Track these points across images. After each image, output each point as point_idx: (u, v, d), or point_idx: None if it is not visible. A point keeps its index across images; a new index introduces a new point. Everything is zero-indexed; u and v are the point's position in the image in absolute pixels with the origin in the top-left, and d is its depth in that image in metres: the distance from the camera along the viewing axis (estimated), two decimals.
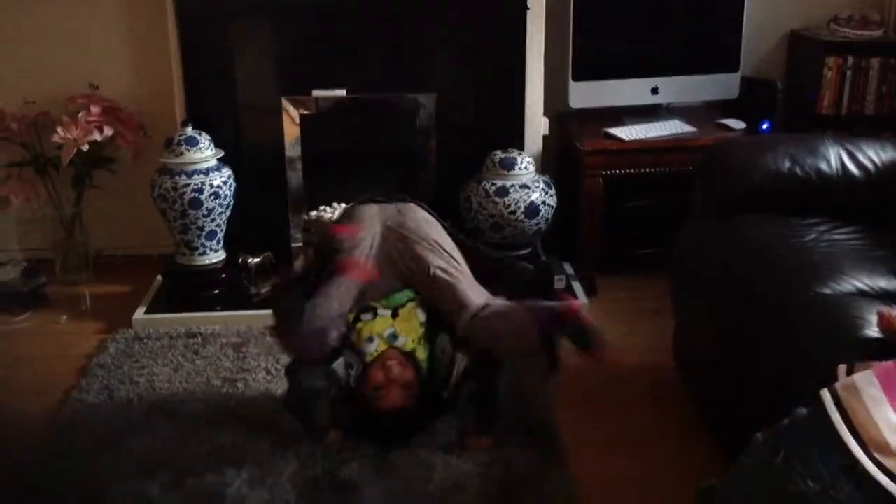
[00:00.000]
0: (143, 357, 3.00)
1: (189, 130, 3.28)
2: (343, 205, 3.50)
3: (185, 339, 3.11)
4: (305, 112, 3.39)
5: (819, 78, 3.65)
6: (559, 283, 3.37)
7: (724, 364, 2.40)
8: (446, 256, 2.56)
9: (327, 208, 3.50)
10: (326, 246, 2.66)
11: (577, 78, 3.56)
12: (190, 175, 3.22)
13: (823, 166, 2.59)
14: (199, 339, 3.11)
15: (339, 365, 2.45)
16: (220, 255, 3.39)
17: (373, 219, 2.67)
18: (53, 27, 3.58)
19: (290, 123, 3.38)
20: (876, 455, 1.46)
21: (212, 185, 3.23)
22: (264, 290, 3.36)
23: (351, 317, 2.50)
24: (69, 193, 3.60)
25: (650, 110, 3.69)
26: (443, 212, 3.29)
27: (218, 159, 3.31)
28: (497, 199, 3.29)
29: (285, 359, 2.75)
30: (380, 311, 2.50)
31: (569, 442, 2.50)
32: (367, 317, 2.50)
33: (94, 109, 3.45)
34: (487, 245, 3.33)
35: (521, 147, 3.48)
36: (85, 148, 3.41)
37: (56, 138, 3.39)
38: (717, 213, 2.62)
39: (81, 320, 3.35)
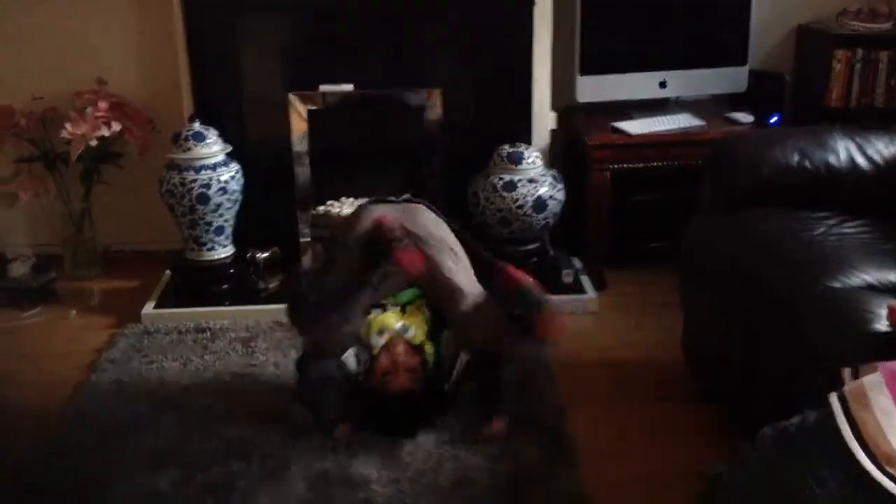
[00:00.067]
0: (152, 352, 3.02)
1: (196, 126, 3.28)
2: (351, 199, 3.51)
3: (193, 334, 3.12)
4: (313, 107, 3.39)
5: (828, 71, 3.63)
6: (567, 277, 3.37)
7: (732, 358, 2.40)
8: (452, 255, 2.58)
9: (335, 203, 3.50)
10: (352, 238, 2.62)
11: (584, 72, 3.55)
12: (198, 170, 3.22)
13: (832, 160, 2.58)
14: (208, 333, 3.12)
15: (349, 356, 2.51)
16: (229, 251, 3.40)
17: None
18: (61, 23, 3.58)
19: (297, 119, 3.38)
20: (887, 468, 1.43)
21: (220, 181, 3.24)
22: (272, 285, 3.37)
23: (364, 329, 2.55)
24: (78, 189, 3.61)
25: (658, 104, 3.68)
26: (450, 206, 3.31)
27: (226, 154, 3.31)
28: (505, 194, 3.29)
29: (294, 353, 2.80)
30: (389, 308, 2.55)
31: (577, 438, 2.50)
32: (376, 311, 2.54)
33: (102, 105, 3.45)
34: (497, 243, 3.35)
35: (528, 141, 3.48)
36: (93, 143, 3.42)
37: (64, 134, 3.40)
38: (726, 207, 2.61)
39: (91, 315, 3.36)
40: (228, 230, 3.36)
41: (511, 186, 3.29)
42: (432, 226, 2.63)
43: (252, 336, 3.10)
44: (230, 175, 3.28)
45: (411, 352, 2.49)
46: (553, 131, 3.58)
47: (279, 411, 2.62)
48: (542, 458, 2.40)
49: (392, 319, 2.53)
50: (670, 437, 2.53)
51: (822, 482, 1.47)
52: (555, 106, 3.55)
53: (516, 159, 3.32)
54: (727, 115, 3.62)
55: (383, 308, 2.55)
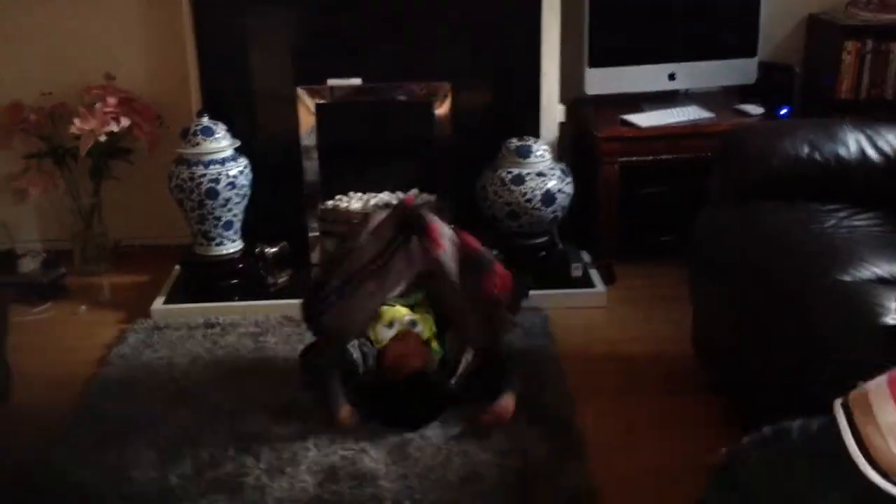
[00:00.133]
0: (161, 347, 3.02)
1: (205, 120, 3.28)
2: (359, 194, 3.51)
3: (203, 329, 3.13)
4: (321, 101, 3.38)
5: (837, 62, 3.61)
6: (576, 271, 3.36)
7: (742, 351, 2.39)
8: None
9: (343, 198, 3.50)
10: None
11: (593, 64, 3.54)
12: (206, 165, 3.22)
13: (842, 152, 2.57)
14: (218, 328, 3.13)
15: (353, 347, 2.59)
16: (238, 245, 3.40)
17: (389, 223, 2.74)
18: (69, 19, 3.59)
19: (305, 113, 3.38)
20: (894, 478, 1.42)
21: (228, 175, 3.24)
22: (281, 279, 3.37)
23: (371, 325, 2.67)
24: (87, 184, 3.62)
25: (667, 96, 3.66)
26: (459, 200, 3.31)
27: (234, 149, 3.31)
28: (513, 188, 3.28)
29: (296, 350, 2.84)
30: (398, 305, 2.67)
31: (586, 431, 2.50)
32: (386, 306, 2.66)
33: (111, 100, 3.46)
34: (506, 236, 3.35)
35: (536, 135, 3.47)
36: (102, 139, 3.42)
37: (73, 129, 3.40)
38: (735, 199, 2.60)
39: (100, 310, 3.37)
40: (237, 225, 3.37)
41: (519, 180, 3.28)
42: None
43: (261, 331, 3.10)
44: (239, 170, 3.28)
45: (420, 345, 2.60)
46: (562, 124, 3.57)
47: (289, 406, 2.63)
48: (551, 453, 2.39)
49: (402, 312, 2.68)
50: (679, 430, 2.53)
51: (825, 493, 1.45)
52: (563, 99, 3.54)
53: (524, 153, 3.31)
54: (736, 106, 3.61)
55: (392, 305, 2.66)
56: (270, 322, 3.14)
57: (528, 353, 2.86)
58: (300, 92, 3.36)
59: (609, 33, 3.55)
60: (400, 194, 3.51)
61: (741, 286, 2.38)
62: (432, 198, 3.40)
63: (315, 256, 3.43)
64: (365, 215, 2.97)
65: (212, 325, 3.15)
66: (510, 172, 3.30)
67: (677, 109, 3.54)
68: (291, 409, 2.61)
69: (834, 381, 1.85)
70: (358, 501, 2.23)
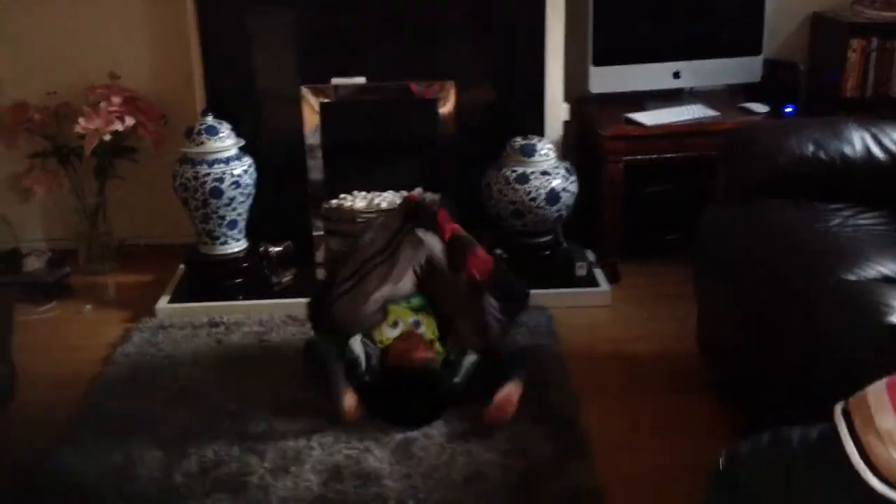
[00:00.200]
0: (166, 346, 3.03)
1: (209, 120, 3.29)
2: (363, 193, 3.51)
3: (207, 328, 3.13)
4: (325, 100, 3.39)
5: (843, 60, 3.60)
6: (580, 270, 3.36)
7: (747, 349, 2.39)
8: None
9: (347, 197, 3.50)
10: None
11: (597, 63, 3.53)
12: (211, 164, 3.22)
13: (847, 150, 2.56)
14: (222, 327, 3.13)
15: (355, 342, 2.64)
16: (242, 245, 3.40)
17: (396, 214, 2.84)
18: (73, 18, 3.59)
19: (309, 112, 3.38)
20: None
21: (233, 175, 3.24)
22: (285, 279, 3.37)
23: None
24: (92, 184, 3.63)
25: (672, 95, 3.66)
26: (463, 199, 3.31)
27: (238, 148, 3.31)
28: (517, 186, 3.27)
29: (300, 349, 2.84)
30: (402, 306, 2.77)
31: (590, 431, 2.50)
32: (391, 307, 2.73)
33: (115, 99, 3.46)
34: (510, 235, 3.34)
35: (540, 133, 3.47)
36: (107, 138, 3.43)
37: (78, 129, 3.41)
38: (740, 198, 2.59)
39: (105, 309, 3.38)
40: (241, 224, 3.37)
41: (524, 179, 3.27)
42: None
43: (266, 330, 3.10)
44: (243, 169, 3.28)
45: (423, 344, 2.66)
46: (566, 123, 3.56)
47: (293, 405, 2.63)
48: (555, 452, 2.39)
49: (406, 313, 2.75)
50: (683, 429, 2.53)
51: (827, 501, 1.45)
52: (567, 97, 3.54)
53: (529, 151, 3.31)
54: (741, 105, 3.60)
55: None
56: (275, 321, 3.15)
57: (532, 352, 2.86)
58: (304, 91, 3.36)
59: (613, 31, 3.55)
60: (404, 193, 3.50)
61: (746, 285, 2.38)
62: (436, 196, 3.39)
63: (319, 255, 3.43)
64: (371, 219, 3.08)
65: (216, 325, 3.15)
66: (514, 171, 3.29)
67: (682, 108, 3.53)
68: (296, 409, 2.62)
69: (839, 380, 1.85)
70: (362, 501, 2.24)
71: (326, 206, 3.46)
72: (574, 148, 3.66)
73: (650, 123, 3.41)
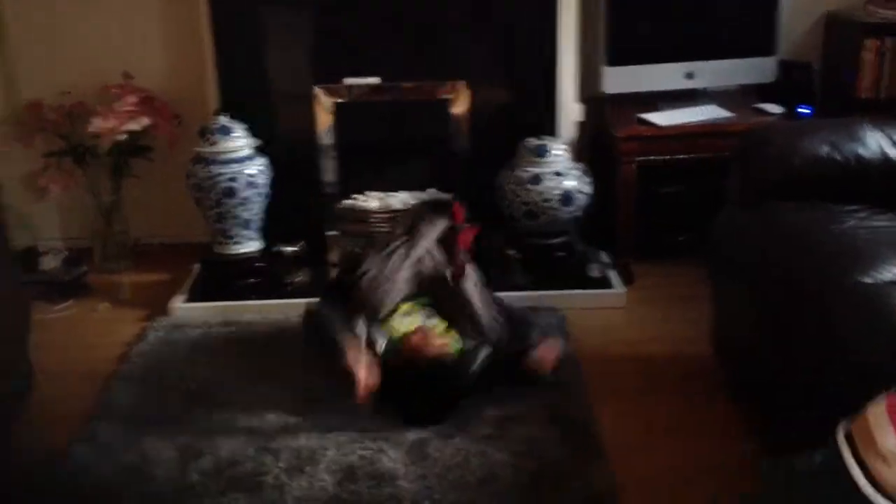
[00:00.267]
0: (181, 345, 3.04)
1: (223, 119, 3.30)
2: (377, 193, 3.52)
3: (221, 328, 3.14)
4: (338, 100, 3.39)
5: (857, 61, 3.58)
6: (594, 271, 3.36)
7: (762, 351, 2.38)
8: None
9: (361, 197, 3.51)
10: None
11: (611, 63, 3.53)
12: (225, 164, 3.24)
13: (862, 151, 2.55)
14: (237, 327, 3.14)
15: (360, 328, 2.69)
16: (256, 245, 3.41)
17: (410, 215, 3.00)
18: (87, 18, 3.61)
19: (323, 112, 3.39)
20: None
21: (246, 174, 3.25)
22: (299, 279, 3.38)
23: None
24: (107, 183, 3.65)
25: (685, 95, 3.65)
26: (477, 200, 3.31)
27: (252, 148, 3.32)
28: (531, 187, 3.27)
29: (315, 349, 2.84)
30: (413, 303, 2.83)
31: (604, 433, 2.50)
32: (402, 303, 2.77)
33: (130, 99, 3.48)
34: (523, 236, 3.35)
35: (554, 134, 3.47)
36: (122, 138, 3.44)
37: (93, 128, 3.43)
38: (755, 199, 2.58)
39: (120, 308, 3.40)
40: (255, 224, 3.38)
41: (537, 180, 3.27)
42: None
43: (280, 330, 3.11)
44: (257, 169, 3.30)
45: (438, 336, 2.71)
46: (580, 123, 3.56)
47: (307, 405, 2.64)
48: (569, 454, 2.39)
49: (418, 306, 2.81)
50: (696, 430, 2.52)
51: None
52: (581, 97, 3.54)
53: (542, 152, 3.31)
54: (755, 105, 3.59)
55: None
56: (288, 321, 3.15)
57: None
58: (318, 91, 3.37)
59: (627, 31, 3.54)
60: (418, 193, 3.51)
61: (761, 286, 2.37)
62: (449, 197, 3.40)
63: (333, 256, 3.44)
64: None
65: (230, 324, 3.16)
66: (528, 172, 3.30)
67: (696, 108, 3.53)
68: (310, 408, 2.63)
69: (854, 381, 1.85)
70: (376, 501, 2.24)
71: (340, 206, 3.47)
72: (587, 148, 3.66)
73: (664, 124, 3.40)
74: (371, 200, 3.49)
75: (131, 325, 3.24)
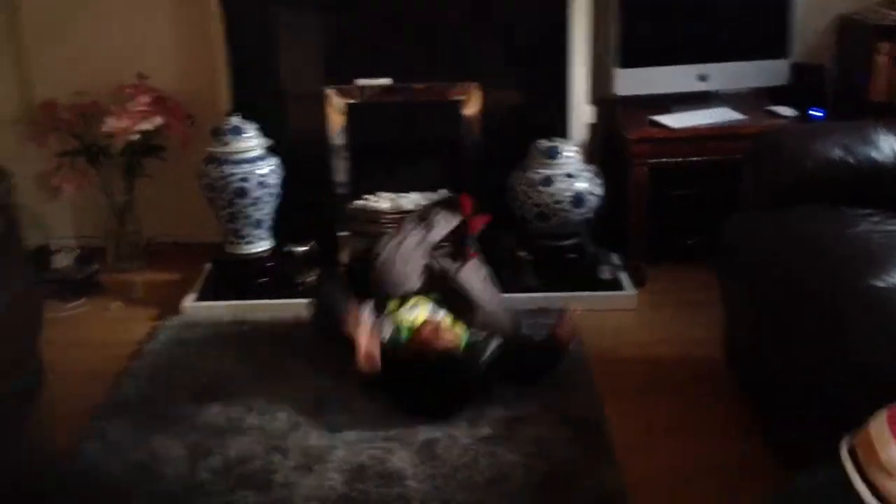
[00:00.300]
0: (192, 343, 3.05)
1: (235, 120, 3.31)
2: (388, 194, 3.52)
3: (232, 327, 3.15)
4: (350, 101, 3.40)
5: (870, 63, 3.56)
6: (605, 273, 3.35)
7: (773, 354, 2.37)
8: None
9: (372, 197, 3.51)
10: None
11: (623, 65, 3.52)
12: (236, 164, 3.25)
13: (875, 155, 2.54)
14: (247, 326, 3.15)
15: (366, 308, 2.74)
16: (267, 244, 3.42)
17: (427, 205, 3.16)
18: (102, 18, 3.63)
19: (334, 113, 3.40)
20: None
21: (258, 175, 3.26)
22: (309, 279, 3.39)
23: (395, 303, 2.81)
24: (120, 182, 3.66)
25: (696, 97, 3.64)
26: (488, 201, 3.31)
27: (264, 148, 3.33)
28: (542, 189, 3.27)
29: (330, 346, 2.85)
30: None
31: (614, 434, 2.50)
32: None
33: (143, 99, 3.49)
34: (535, 237, 3.35)
35: (565, 135, 3.47)
36: (135, 137, 3.46)
37: (106, 128, 3.44)
38: (767, 202, 2.58)
39: (133, 307, 3.41)
40: (267, 224, 3.39)
41: (549, 181, 3.27)
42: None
43: (290, 329, 3.12)
44: (269, 169, 3.31)
45: (448, 328, 2.74)
46: (591, 125, 3.56)
47: (317, 404, 2.65)
48: (579, 454, 2.39)
49: (426, 299, 2.85)
50: (709, 434, 2.52)
51: None
52: (592, 99, 3.53)
53: (553, 154, 3.31)
54: (768, 108, 3.58)
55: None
56: (299, 321, 3.16)
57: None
58: (329, 92, 3.38)
59: (639, 33, 3.54)
60: (429, 195, 3.52)
61: (773, 289, 2.36)
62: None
63: (344, 256, 3.44)
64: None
65: (241, 323, 3.17)
66: (539, 173, 3.29)
67: (708, 111, 3.52)
68: (320, 407, 2.63)
69: (865, 386, 1.85)
70: (385, 501, 2.25)
71: (350, 206, 3.47)
72: (599, 150, 3.66)
73: (675, 126, 3.40)
74: (382, 201, 3.50)
75: (143, 323, 3.25)
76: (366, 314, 2.69)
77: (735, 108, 3.55)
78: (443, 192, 3.50)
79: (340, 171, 3.46)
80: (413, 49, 3.48)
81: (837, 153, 2.54)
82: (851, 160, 2.53)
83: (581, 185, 3.28)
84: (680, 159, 3.40)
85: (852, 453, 1.47)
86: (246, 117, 3.34)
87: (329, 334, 2.79)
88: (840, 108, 3.65)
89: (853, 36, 3.72)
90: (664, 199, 3.49)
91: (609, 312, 3.20)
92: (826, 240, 2.30)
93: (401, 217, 3.33)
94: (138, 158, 3.62)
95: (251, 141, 3.29)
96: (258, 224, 3.35)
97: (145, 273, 3.68)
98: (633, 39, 3.52)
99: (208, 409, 2.65)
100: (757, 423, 2.48)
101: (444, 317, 2.79)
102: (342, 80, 3.41)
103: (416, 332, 2.71)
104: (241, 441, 2.49)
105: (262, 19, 3.45)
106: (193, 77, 3.67)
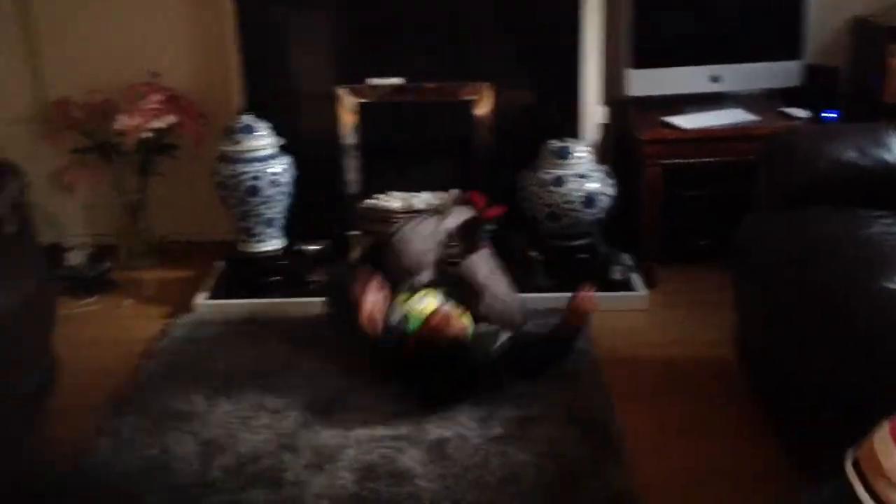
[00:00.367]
0: (204, 341, 3.06)
1: (247, 118, 3.32)
2: (399, 193, 3.52)
3: (244, 325, 3.16)
4: (362, 100, 3.40)
5: (884, 65, 3.55)
6: (617, 273, 3.35)
7: (785, 354, 2.37)
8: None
9: (383, 197, 3.52)
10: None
11: (635, 65, 3.52)
12: (248, 163, 3.26)
13: (889, 157, 2.53)
14: (258, 325, 3.16)
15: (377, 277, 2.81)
16: (279, 243, 3.43)
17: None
18: (115, 17, 3.64)
19: (346, 112, 3.40)
20: None
21: (270, 173, 3.27)
22: (321, 277, 3.39)
23: (405, 295, 2.84)
24: (133, 180, 3.68)
25: (708, 98, 3.63)
26: (499, 201, 3.31)
27: (276, 147, 3.34)
28: (553, 189, 3.27)
29: (342, 345, 2.88)
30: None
31: (626, 435, 2.49)
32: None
33: (156, 97, 3.50)
34: (546, 238, 3.34)
35: (577, 136, 3.46)
36: (147, 135, 3.47)
37: (119, 126, 3.46)
38: (781, 203, 2.57)
39: (145, 305, 3.42)
40: (279, 222, 3.40)
41: (560, 182, 3.27)
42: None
43: (301, 328, 3.12)
44: (281, 167, 3.31)
45: (457, 316, 2.77)
46: (603, 125, 3.55)
47: (329, 403, 2.66)
48: (590, 455, 2.39)
49: (435, 292, 2.88)
50: (721, 435, 2.52)
51: None
52: (604, 100, 3.53)
53: (565, 154, 3.30)
54: (781, 109, 3.57)
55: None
56: (310, 320, 3.17)
57: (570, 356, 2.86)
58: (341, 91, 3.38)
59: (652, 34, 3.53)
60: (440, 194, 3.52)
61: (786, 290, 2.36)
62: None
63: (355, 255, 3.45)
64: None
65: (252, 321, 3.18)
66: (550, 174, 3.29)
67: (720, 112, 3.51)
68: (331, 406, 2.64)
69: (879, 389, 1.84)
70: (396, 500, 2.25)
71: (362, 205, 3.48)
72: (611, 151, 3.65)
73: (688, 127, 3.39)
74: (393, 200, 3.50)
75: (155, 321, 3.26)
76: (374, 281, 2.75)
77: (748, 109, 3.53)
78: (454, 192, 3.50)
79: (352, 170, 3.46)
80: (425, 49, 3.49)
81: (850, 155, 2.53)
82: (864, 162, 2.53)
83: (592, 185, 3.28)
84: (692, 160, 3.39)
85: (856, 465, 1.47)
86: (258, 116, 3.34)
87: (342, 323, 2.84)
88: (854, 109, 3.64)
89: (868, 37, 3.70)
90: (676, 200, 3.48)
91: (620, 313, 3.19)
92: (839, 241, 2.30)
93: (412, 216, 3.34)
94: (151, 157, 3.63)
95: (263, 140, 3.30)
96: (270, 222, 3.36)
97: (157, 271, 3.69)
98: (645, 40, 3.51)
99: (220, 407, 2.66)
100: (770, 424, 2.48)
101: (452, 307, 2.82)
102: (354, 79, 3.42)
103: (426, 320, 2.74)
104: (253, 439, 2.50)
105: (275, 18, 3.46)
106: (206, 76, 3.68)
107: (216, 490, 2.30)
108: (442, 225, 3.06)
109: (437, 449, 2.43)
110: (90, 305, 3.42)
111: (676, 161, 3.38)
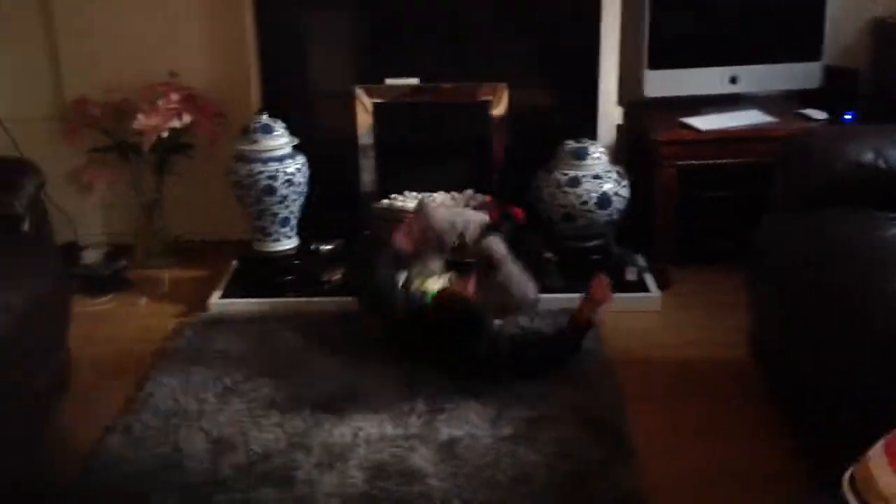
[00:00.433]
0: (218, 340, 3.07)
1: (264, 118, 3.32)
2: (414, 193, 3.52)
3: (258, 324, 3.16)
4: (378, 100, 3.41)
5: None
6: (630, 275, 3.33)
7: (801, 358, 2.35)
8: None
9: (399, 197, 3.51)
10: None
11: (653, 66, 3.50)
12: (264, 162, 3.26)
13: None
14: (273, 323, 3.17)
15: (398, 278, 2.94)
16: (294, 242, 3.43)
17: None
18: (134, 16, 3.66)
19: (362, 112, 3.40)
20: None
21: (286, 173, 3.28)
22: (335, 277, 3.40)
23: (419, 280, 2.93)
24: (149, 179, 3.69)
25: (725, 99, 3.61)
26: (514, 201, 3.30)
27: (292, 147, 3.35)
28: (568, 190, 3.26)
29: (348, 346, 2.91)
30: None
31: (637, 436, 2.48)
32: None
33: (174, 97, 3.52)
34: (560, 238, 3.33)
35: (593, 136, 3.45)
36: (165, 135, 3.49)
37: (137, 125, 3.47)
38: (798, 205, 2.55)
39: (160, 303, 3.43)
40: (294, 222, 3.40)
41: (575, 182, 3.26)
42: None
43: (315, 327, 3.13)
44: (296, 167, 3.32)
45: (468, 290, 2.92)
46: (619, 126, 3.54)
47: (340, 402, 2.65)
48: (601, 456, 2.38)
49: (448, 274, 3.01)
50: (735, 437, 2.50)
51: None
52: (621, 101, 3.52)
53: (581, 155, 3.29)
54: (799, 111, 3.54)
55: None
56: (324, 319, 3.17)
57: (579, 356, 2.85)
58: (358, 91, 3.39)
59: (669, 35, 3.51)
60: (455, 194, 3.52)
61: (803, 291, 2.34)
62: (486, 198, 3.40)
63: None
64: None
65: (266, 321, 3.18)
66: (566, 174, 3.28)
67: (738, 113, 3.48)
68: (343, 405, 2.63)
69: (894, 390, 1.82)
70: (406, 499, 2.24)
71: (377, 205, 3.48)
72: (626, 151, 3.63)
73: (705, 128, 3.37)
74: (409, 201, 3.49)
75: (169, 319, 3.27)
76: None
77: (765, 110, 3.51)
78: (469, 193, 3.50)
79: (367, 170, 3.46)
80: (442, 49, 3.49)
81: (868, 156, 2.51)
82: (882, 163, 2.50)
83: (607, 186, 3.27)
84: (709, 161, 3.37)
85: (853, 482, 1.45)
86: (275, 116, 3.35)
87: (369, 297, 3.00)
88: (874, 111, 3.60)
89: (888, 39, 3.67)
90: (692, 201, 3.46)
91: (634, 314, 3.17)
92: (856, 243, 2.28)
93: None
94: (167, 156, 3.65)
95: (280, 139, 3.31)
96: (285, 222, 3.36)
97: (173, 270, 3.70)
98: (663, 40, 3.49)
99: (231, 406, 2.66)
100: (786, 425, 2.45)
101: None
102: (371, 79, 3.42)
103: (440, 292, 2.86)
104: (264, 437, 2.50)
105: (293, 18, 3.47)
106: (225, 75, 3.70)
107: (227, 488, 2.30)
108: (456, 208, 3.17)
109: (448, 448, 2.42)
110: (105, 304, 3.43)
111: (692, 162, 3.37)
